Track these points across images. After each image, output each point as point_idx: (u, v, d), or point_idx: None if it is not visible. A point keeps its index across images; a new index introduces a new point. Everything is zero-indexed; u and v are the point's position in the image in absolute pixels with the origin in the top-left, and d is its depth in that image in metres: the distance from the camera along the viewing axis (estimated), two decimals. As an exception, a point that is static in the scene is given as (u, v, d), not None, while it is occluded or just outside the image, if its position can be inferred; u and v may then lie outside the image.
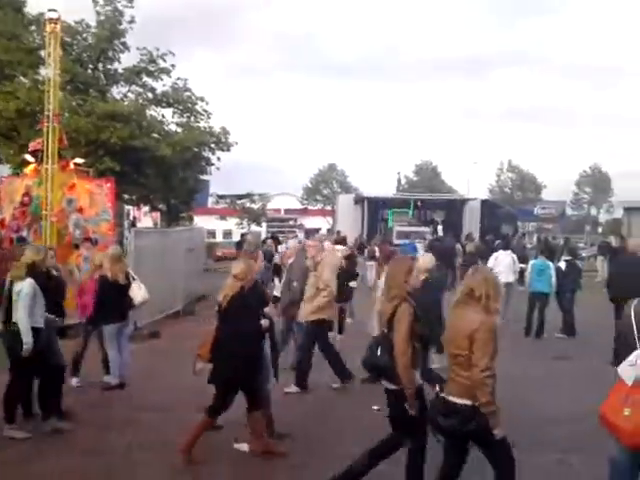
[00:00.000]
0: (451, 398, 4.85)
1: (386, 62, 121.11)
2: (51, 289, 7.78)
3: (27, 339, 7.06)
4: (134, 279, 9.63)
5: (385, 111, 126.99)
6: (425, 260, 9.68)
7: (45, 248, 8.66)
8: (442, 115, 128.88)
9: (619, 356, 10.68)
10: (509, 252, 16.73)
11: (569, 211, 75.52)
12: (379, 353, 5.39)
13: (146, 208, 34.03)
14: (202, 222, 35.40)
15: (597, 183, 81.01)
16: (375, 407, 8.19)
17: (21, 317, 7.10)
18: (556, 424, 7.93)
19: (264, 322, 6.77)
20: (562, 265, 15.33)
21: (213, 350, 6.66)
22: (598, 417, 4.96)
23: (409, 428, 5.39)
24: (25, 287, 7.22)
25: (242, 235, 32.20)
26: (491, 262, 16.43)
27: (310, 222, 58.88)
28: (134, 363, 10.04)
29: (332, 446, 7.07)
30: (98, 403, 8.74)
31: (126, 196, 24.80)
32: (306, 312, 9.32)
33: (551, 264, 15.36)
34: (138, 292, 9.49)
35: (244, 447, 6.87)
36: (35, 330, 7.14)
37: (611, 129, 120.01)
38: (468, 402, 4.75)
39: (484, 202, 40.02)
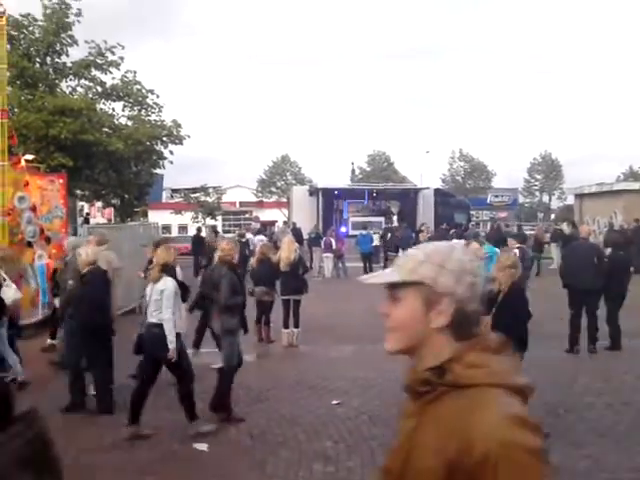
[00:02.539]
0: None
1: (337, 52, 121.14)
2: None
3: (173, 338, 7.01)
4: (4, 280, 9.38)
5: (336, 101, 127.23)
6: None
7: (174, 248, 8.40)
8: (393, 104, 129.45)
9: (574, 343, 11.02)
10: (463, 242, 16.86)
11: (521, 199, 76.68)
12: None
13: (99, 204, 33.59)
14: (156, 217, 35.11)
15: (548, 170, 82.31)
16: (335, 401, 8.24)
17: (167, 317, 7.04)
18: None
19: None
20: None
21: None
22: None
23: None
24: (169, 286, 7.18)
25: (197, 229, 31.99)
26: (446, 252, 16.56)
27: (266, 214, 58.75)
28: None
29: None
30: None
31: (79, 192, 24.40)
32: None
33: (498, 250, 15.62)
34: (8, 292, 9.29)
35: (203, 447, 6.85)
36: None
37: (560, 116, 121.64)
38: None
39: (437, 191, 40.43)
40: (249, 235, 26.88)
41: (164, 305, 7.06)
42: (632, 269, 13.13)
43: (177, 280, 7.57)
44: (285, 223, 29.48)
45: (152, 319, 7.14)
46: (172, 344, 7.00)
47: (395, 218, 34.19)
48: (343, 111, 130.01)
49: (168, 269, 7.43)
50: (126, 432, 7.06)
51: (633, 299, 12.53)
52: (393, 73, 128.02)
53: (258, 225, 33.41)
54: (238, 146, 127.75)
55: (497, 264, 7.21)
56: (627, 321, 12.07)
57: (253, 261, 13.17)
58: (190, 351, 10.00)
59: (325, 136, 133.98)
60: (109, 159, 22.35)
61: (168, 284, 7.22)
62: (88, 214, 36.51)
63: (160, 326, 7.03)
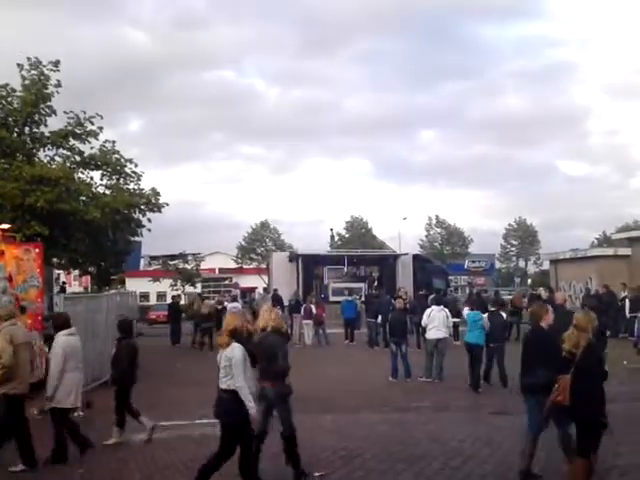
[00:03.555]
0: None
1: (311, 120, 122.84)
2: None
3: (251, 404, 7.12)
4: None
5: (312, 170, 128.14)
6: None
7: (244, 312, 8.42)
8: (369, 172, 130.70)
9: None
10: (441, 308, 16.92)
11: (498, 264, 77.35)
12: None
13: (76, 272, 33.33)
14: (134, 284, 34.91)
15: (524, 236, 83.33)
16: (317, 473, 8.09)
17: (241, 384, 7.11)
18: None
19: None
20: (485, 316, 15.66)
21: None
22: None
23: None
24: (236, 353, 7.25)
25: (173, 297, 31.81)
26: (425, 318, 16.64)
27: (246, 281, 58.66)
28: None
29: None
30: None
31: (55, 260, 24.22)
32: None
33: (484, 316, 15.72)
34: None
35: None
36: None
37: (532, 182, 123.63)
38: None
39: (415, 257, 40.67)
40: (227, 303, 26.84)
41: (235, 373, 7.16)
42: (608, 333, 13.24)
43: (245, 346, 7.60)
44: (265, 290, 29.40)
45: (222, 385, 7.28)
46: (252, 409, 7.13)
47: (375, 284, 34.26)
48: (319, 179, 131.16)
49: (237, 335, 7.53)
50: None
51: (609, 363, 12.53)
52: (367, 142, 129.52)
53: (238, 291, 33.33)
54: (217, 213, 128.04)
55: (577, 325, 7.24)
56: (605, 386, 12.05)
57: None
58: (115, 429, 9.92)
59: (304, 203, 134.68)
60: (86, 228, 22.27)
61: (235, 351, 7.28)
62: (64, 283, 36.18)
63: (229, 392, 7.16)
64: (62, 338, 9.27)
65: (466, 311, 17.01)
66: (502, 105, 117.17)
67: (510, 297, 30.33)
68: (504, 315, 16.98)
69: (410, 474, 8.17)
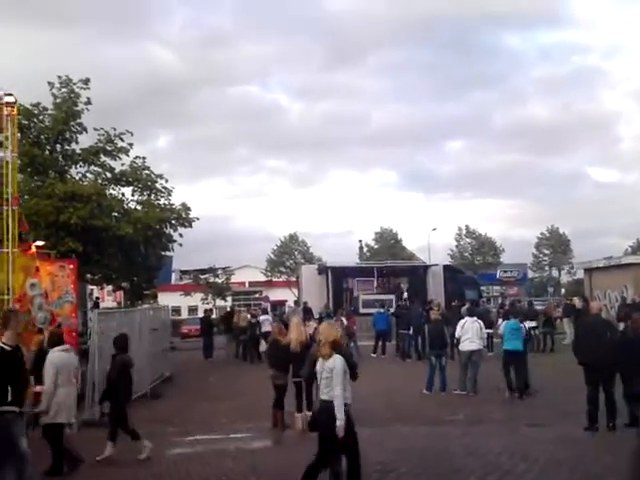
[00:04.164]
0: None
1: (335, 133, 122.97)
2: None
3: (340, 415, 7.24)
4: None
5: (338, 181, 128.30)
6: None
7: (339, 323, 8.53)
8: (395, 183, 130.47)
9: (593, 420, 10.84)
10: (475, 319, 16.74)
11: (530, 273, 76.52)
12: None
13: (109, 287, 33.62)
14: (166, 299, 35.15)
15: (556, 245, 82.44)
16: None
17: (338, 394, 7.28)
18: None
19: None
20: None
21: None
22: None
23: None
24: (338, 364, 7.41)
25: (205, 311, 31.97)
26: (458, 330, 16.49)
27: (275, 294, 58.76)
28: (102, 450, 9.74)
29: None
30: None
31: (88, 276, 24.49)
32: None
33: (522, 325, 15.88)
34: None
35: None
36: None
37: (562, 190, 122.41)
38: None
39: (446, 267, 40.33)
40: (262, 317, 26.85)
41: (334, 382, 7.33)
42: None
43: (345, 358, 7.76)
44: (296, 303, 29.39)
45: (324, 396, 7.46)
46: (341, 421, 7.21)
47: (405, 295, 34.01)
48: (346, 190, 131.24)
49: (338, 347, 7.69)
50: None
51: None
52: (395, 151, 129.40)
53: (268, 305, 33.38)
54: (245, 226, 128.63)
55: None
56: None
57: (265, 344, 13.06)
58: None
59: (331, 215, 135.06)
60: (118, 243, 22.50)
61: (337, 362, 7.45)
62: (98, 298, 36.47)
63: (329, 402, 7.33)
64: (55, 354, 9.41)
65: (501, 321, 16.93)
66: (529, 113, 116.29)
67: (543, 307, 29.98)
68: (526, 326, 17.19)
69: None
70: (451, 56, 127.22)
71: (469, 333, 16.18)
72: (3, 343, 7.27)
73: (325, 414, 7.36)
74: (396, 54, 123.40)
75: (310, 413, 11.94)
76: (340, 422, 7.19)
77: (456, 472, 8.54)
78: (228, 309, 34.82)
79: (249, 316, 27.50)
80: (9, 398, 7.04)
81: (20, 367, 7.42)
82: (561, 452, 9.73)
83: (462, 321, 16.87)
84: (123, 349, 10.82)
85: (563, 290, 68.30)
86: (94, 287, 33.75)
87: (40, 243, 17.15)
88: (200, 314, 38.06)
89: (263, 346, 13.51)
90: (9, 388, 7.04)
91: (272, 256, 79.17)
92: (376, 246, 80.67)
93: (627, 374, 11.27)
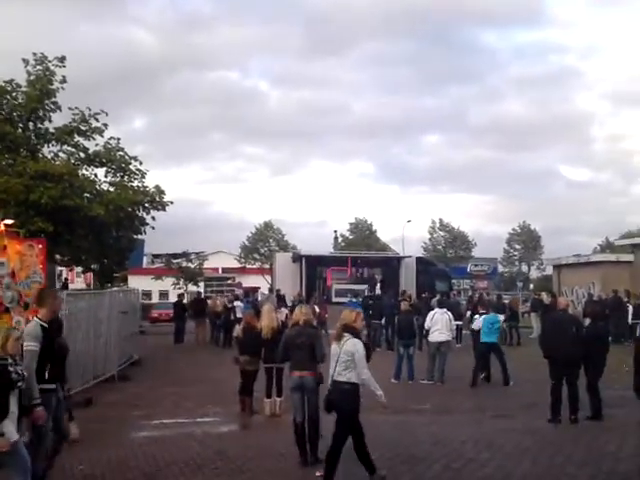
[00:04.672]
0: None
1: (314, 122, 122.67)
2: None
3: (379, 391, 7.64)
4: None
5: (315, 171, 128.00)
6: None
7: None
8: (372, 175, 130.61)
9: (556, 413, 11.03)
10: (444, 310, 16.91)
11: (500, 268, 77.20)
12: None
13: (79, 269, 33.29)
14: (137, 282, 34.93)
15: (527, 241, 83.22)
16: (318, 473, 8.09)
17: (367, 377, 7.57)
18: None
19: None
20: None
21: None
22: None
23: None
24: (359, 348, 7.64)
25: (179, 296, 31.87)
26: (428, 321, 16.64)
27: (249, 280, 58.65)
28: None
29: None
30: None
31: (58, 257, 24.23)
32: None
33: (500, 317, 16.46)
34: None
35: None
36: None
37: (535, 188, 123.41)
38: None
39: (419, 259, 40.53)
40: (237, 302, 27.06)
41: (360, 366, 7.57)
42: (610, 339, 13.22)
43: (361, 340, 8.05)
44: (270, 290, 29.38)
45: (341, 378, 7.60)
46: (382, 396, 7.65)
47: (378, 286, 34.14)
48: (323, 179, 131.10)
49: (350, 329, 7.87)
50: None
51: (611, 368, 12.55)
52: (373, 143, 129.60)
53: (241, 291, 33.38)
54: (220, 212, 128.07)
55: None
56: (606, 391, 12.08)
57: (239, 329, 13.05)
58: None
59: (307, 204, 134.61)
60: (90, 225, 22.25)
61: (358, 346, 7.66)
62: (67, 279, 36.18)
63: (350, 384, 7.57)
64: None
65: (477, 316, 17.32)
66: (505, 109, 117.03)
67: (507, 301, 30.28)
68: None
69: (411, 476, 8.16)
70: (430, 51, 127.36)
71: (439, 324, 16.34)
72: (39, 319, 7.19)
73: (343, 395, 7.60)
74: (377, 46, 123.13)
75: (280, 399, 12.05)
76: (380, 393, 7.65)
77: (421, 460, 8.62)
78: (196, 294, 34.65)
79: (225, 300, 27.81)
80: (46, 376, 6.98)
81: (55, 344, 7.30)
82: (524, 442, 9.87)
83: (432, 312, 17.04)
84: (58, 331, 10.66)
85: (532, 285, 69.01)
86: (63, 268, 33.40)
87: (9, 221, 16.88)
88: (172, 299, 37.93)
89: (236, 331, 13.49)
90: (47, 365, 6.98)
91: (246, 243, 78.92)
92: (351, 236, 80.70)
93: (590, 368, 11.49)
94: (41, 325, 7.08)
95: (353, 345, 7.65)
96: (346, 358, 7.60)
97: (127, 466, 8.78)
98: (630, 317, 23.20)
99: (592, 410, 11.37)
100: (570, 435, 10.53)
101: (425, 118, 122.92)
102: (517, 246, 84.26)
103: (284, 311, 21.83)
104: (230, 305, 26.59)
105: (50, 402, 7.01)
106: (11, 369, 6.19)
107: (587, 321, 12.76)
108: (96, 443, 9.85)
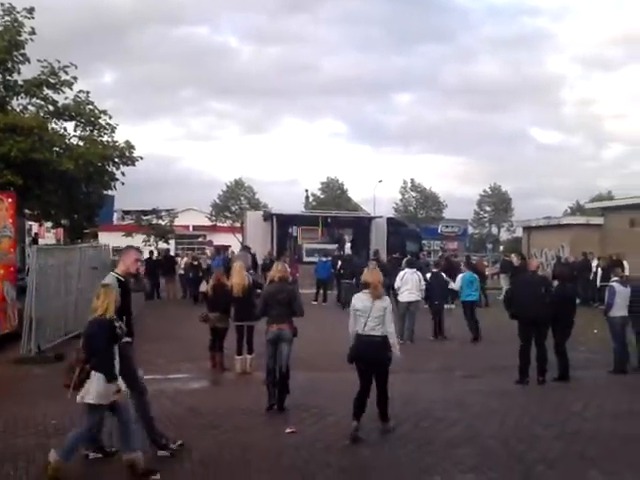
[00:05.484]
0: None
1: (286, 80, 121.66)
2: None
3: (397, 347, 8.29)
4: None
5: (286, 129, 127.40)
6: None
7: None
8: (344, 134, 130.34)
9: (524, 374, 11.24)
10: (414, 270, 17.02)
11: (471, 230, 77.81)
12: None
13: (48, 224, 32.93)
14: (107, 239, 34.50)
15: (498, 203, 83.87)
16: (288, 430, 8.17)
17: (392, 331, 8.26)
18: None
19: None
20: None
21: None
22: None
23: None
24: (389, 303, 8.40)
25: (150, 252, 31.72)
26: (398, 281, 16.74)
27: (219, 239, 58.41)
28: (38, 386, 9.67)
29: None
30: None
31: (27, 211, 23.92)
32: None
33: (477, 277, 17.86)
34: None
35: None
36: None
37: (506, 149, 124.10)
38: None
39: (390, 220, 40.65)
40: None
41: (387, 320, 8.20)
42: (578, 301, 13.45)
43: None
44: (244, 247, 29.32)
45: (375, 332, 8.16)
46: (398, 352, 8.25)
47: (348, 246, 34.21)
48: (295, 138, 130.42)
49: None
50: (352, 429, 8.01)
51: (578, 331, 12.79)
52: (345, 103, 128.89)
53: (212, 249, 33.36)
54: (190, 169, 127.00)
55: None
56: (574, 352, 12.33)
57: (207, 286, 13.00)
58: None
59: (278, 162, 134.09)
60: (59, 179, 21.95)
61: (388, 302, 8.42)
62: (37, 234, 35.70)
63: (383, 337, 8.13)
64: None
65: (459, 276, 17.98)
66: (477, 70, 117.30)
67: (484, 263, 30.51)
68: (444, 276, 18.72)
69: (379, 433, 8.29)
70: (404, 9, 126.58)
71: (409, 284, 16.46)
72: (117, 274, 7.35)
73: (378, 347, 8.13)
74: (349, 4, 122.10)
75: (251, 356, 12.11)
76: (397, 346, 8.28)
77: (390, 419, 8.73)
78: (165, 251, 34.51)
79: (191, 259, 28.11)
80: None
81: (129, 299, 7.52)
82: (492, 402, 10.06)
83: (402, 272, 17.13)
84: None
85: (502, 247, 69.69)
86: (33, 223, 32.97)
87: (-22, 174, 16.64)
88: (142, 256, 37.72)
89: (204, 287, 13.47)
90: (123, 318, 7.06)
91: (217, 201, 78.52)
92: (322, 196, 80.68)
93: (558, 329, 11.70)
94: (117, 278, 7.30)
95: (386, 300, 8.36)
96: (380, 313, 8.15)
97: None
98: (599, 280, 23.52)
99: (559, 371, 11.60)
100: (537, 396, 10.76)
101: (397, 77, 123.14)
102: (487, 208, 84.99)
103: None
104: (195, 262, 27.37)
105: (130, 353, 7.24)
106: (116, 324, 6.61)
107: (555, 283, 12.95)
108: (67, 398, 9.84)
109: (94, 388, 6.43)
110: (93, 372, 6.46)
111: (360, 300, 8.39)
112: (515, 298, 12.16)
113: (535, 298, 11.50)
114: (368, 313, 8.18)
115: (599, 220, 34.65)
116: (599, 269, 24.33)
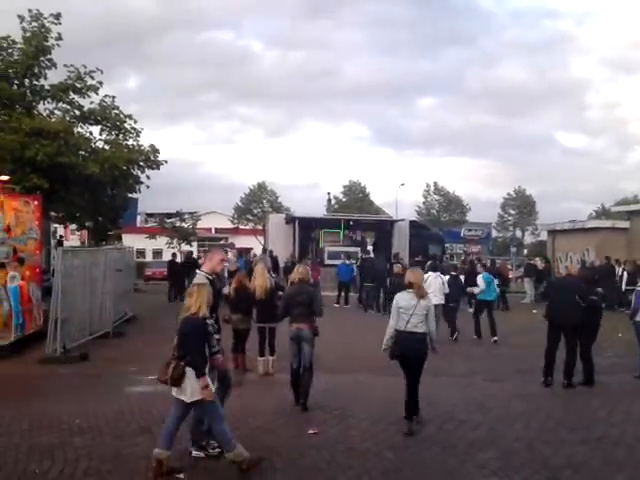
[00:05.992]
0: None
1: (309, 84, 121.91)
2: None
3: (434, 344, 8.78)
4: None
5: (309, 133, 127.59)
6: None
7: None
8: (366, 138, 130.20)
9: (549, 375, 11.12)
10: (438, 274, 16.96)
11: (494, 233, 77.42)
12: None
13: (73, 226, 33.25)
14: (131, 241, 34.81)
15: (522, 206, 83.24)
16: (311, 431, 8.18)
17: (433, 329, 8.73)
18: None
19: None
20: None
21: None
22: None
23: None
24: (432, 304, 8.81)
25: (173, 254, 31.92)
26: (422, 285, 16.64)
27: (241, 241, 58.63)
28: (63, 385, 9.76)
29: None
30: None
31: (53, 214, 24.20)
32: None
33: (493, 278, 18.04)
34: None
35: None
36: None
37: (530, 153, 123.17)
38: None
39: (412, 223, 40.51)
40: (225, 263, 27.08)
41: (431, 318, 8.62)
42: (603, 305, 13.29)
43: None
44: (264, 251, 29.31)
45: (417, 329, 8.52)
46: (438, 349, 8.88)
47: (371, 249, 34.17)
48: (318, 142, 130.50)
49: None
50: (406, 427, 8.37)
51: (603, 335, 12.66)
52: (368, 106, 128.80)
53: (235, 251, 33.39)
54: (213, 173, 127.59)
55: None
56: (599, 357, 12.21)
57: (230, 289, 13.03)
58: None
59: (301, 166, 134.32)
60: (85, 182, 22.21)
61: (432, 302, 8.89)
62: (62, 236, 36.11)
63: (422, 334, 8.53)
64: None
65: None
66: (501, 74, 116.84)
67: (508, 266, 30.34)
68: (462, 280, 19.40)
69: (403, 436, 8.26)
70: (428, 13, 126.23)
71: (431, 288, 16.35)
72: (205, 272, 7.51)
73: (421, 343, 8.55)
74: (374, 7, 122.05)
75: (273, 358, 12.14)
76: (436, 348, 8.79)
77: (417, 418, 8.71)
78: (187, 253, 34.64)
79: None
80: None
81: (218, 298, 7.72)
82: (516, 406, 10.00)
83: (425, 276, 17.00)
84: None
85: (526, 251, 69.24)
86: (58, 225, 33.35)
87: (5, 178, 16.88)
88: (165, 258, 37.91)
89: (226, 288, 13.51)
90: (212, 315, 7.20)
91: (240, 204, 78.79)
92: (344, 199, 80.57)
93: (584, 334, 11.57)
94: (206, 277, 7.45)
95: (429, 301, 8.78)
96: (423, 312, 8.53)
97: (123, 420, 8.87)
98: (624, 284, 23.27)
99: (584, 376, 11.49)
100: (562, 400, 10.67)
101: (421, 81, 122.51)
102: (512, 211, 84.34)
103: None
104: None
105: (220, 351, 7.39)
106: (209, 322, 6.86)
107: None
108: (92, 397, 9.95)
109: (190, 385, 6.65)
110: (188, 369, 6.64)
111: (404, 299, 8.72)
112: (550, 300, 11.99)
113: (570, 303, 11.32)
114: (412, 311, 8.52)
115: (625, 224, 34.21)
116: (625, 273, 24.08)
